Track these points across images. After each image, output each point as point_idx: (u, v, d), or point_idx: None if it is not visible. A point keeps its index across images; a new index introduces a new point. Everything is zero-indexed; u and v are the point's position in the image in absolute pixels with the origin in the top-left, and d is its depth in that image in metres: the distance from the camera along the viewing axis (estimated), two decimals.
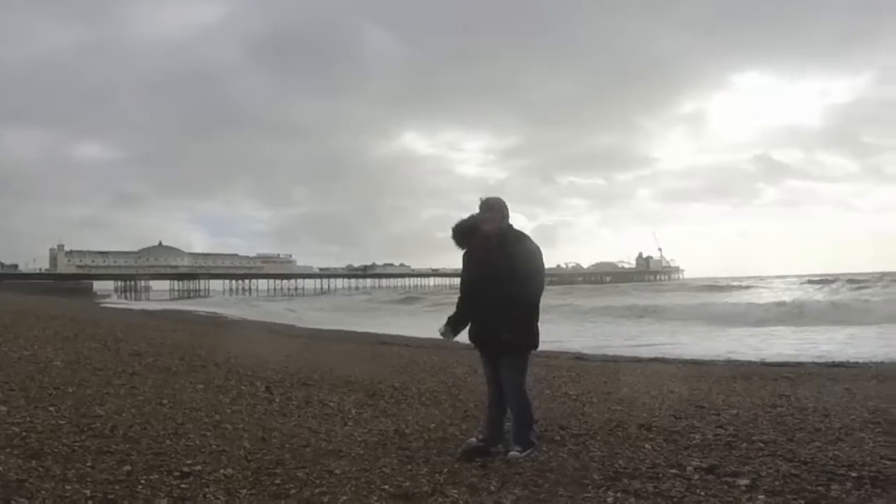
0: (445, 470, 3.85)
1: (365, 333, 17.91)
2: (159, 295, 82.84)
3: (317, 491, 3.40)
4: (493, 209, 4.28)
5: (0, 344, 7.31)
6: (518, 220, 4.54)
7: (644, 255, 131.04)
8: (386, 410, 5.63)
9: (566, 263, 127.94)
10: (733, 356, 11.86)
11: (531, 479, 3.68)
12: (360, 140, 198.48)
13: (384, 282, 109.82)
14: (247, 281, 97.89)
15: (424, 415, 5.47)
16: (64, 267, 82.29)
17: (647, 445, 4.41)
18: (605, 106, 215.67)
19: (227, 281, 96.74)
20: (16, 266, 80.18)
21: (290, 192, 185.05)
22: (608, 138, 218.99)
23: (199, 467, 3.55)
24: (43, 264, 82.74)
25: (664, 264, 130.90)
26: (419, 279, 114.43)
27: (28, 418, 4.05)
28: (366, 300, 57.06)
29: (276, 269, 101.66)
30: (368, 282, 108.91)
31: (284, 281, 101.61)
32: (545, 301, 4.44)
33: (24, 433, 3.72)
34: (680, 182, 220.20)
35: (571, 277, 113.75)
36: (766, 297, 37.79)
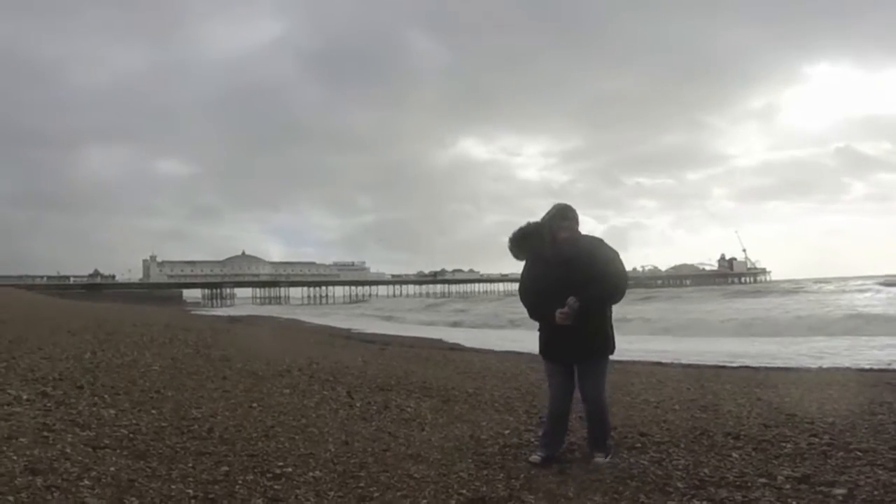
0: (522, 476, 3.88)
1: (435, 340, 18.11)
2: (243, 301, 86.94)
3: (398, 494, 3.51)
4: (569, 217, 4.21)
5: (105, 350, 7.90)
6: (587, 224, 4.46)
7: (727, 257, 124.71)
8: (461, 416, 5.70)
9: (642, 267, 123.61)
10: (825, 363, 11.15)
11: (611, 486, 3.65)
12: (417, 148, 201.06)
13: (453, 287, 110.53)
14: (323, 288, 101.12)
15: (499, 421, 5.50)
16: (156, 276, 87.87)
17: (734, 454, 4.26)
18: (668, 104, 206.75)
19: (304, 288, 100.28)
20: (113, 276, 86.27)
21: (356, 200, 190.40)
22: (674, 137, 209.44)
23: (289, 469, 3.74)
24: (137, 274, 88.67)
25: (749, 266, 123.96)
26: (488, 284, 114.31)
27: (134, 421, 4.38)
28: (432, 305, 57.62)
29: (351, 277, 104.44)
30: (438, 287, 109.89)
31: (358, 287, 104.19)
32: (630, 309, 4.37)
33: (131, 435, 4.03)
34: (757, 179, 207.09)
35: (649, 281, 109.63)
36: (860, 299, 35.03)
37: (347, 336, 19.76)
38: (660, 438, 4.76)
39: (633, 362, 10.68)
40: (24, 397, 4.52)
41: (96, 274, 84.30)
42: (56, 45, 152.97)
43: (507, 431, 5.07)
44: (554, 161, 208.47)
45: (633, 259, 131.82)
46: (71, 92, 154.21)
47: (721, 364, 10.89)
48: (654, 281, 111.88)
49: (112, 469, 3.31)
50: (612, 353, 4.27)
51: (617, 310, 4.39)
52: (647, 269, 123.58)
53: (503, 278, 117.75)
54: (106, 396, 4.98)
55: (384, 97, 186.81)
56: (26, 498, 2.73)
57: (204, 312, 45.36)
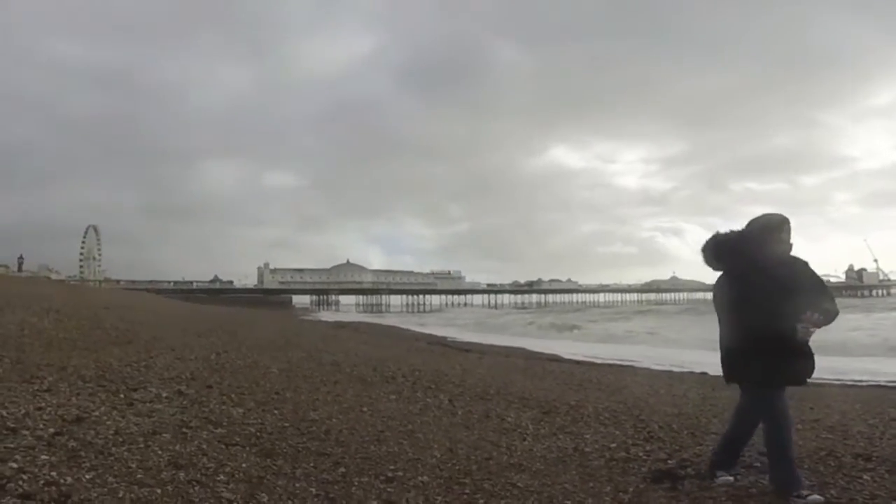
0: (630, 489, 3.82)
1: (532, 351, 17.97)
2: (346, 308, 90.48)
3: (502, 502, 3.58)
4: (786, 230, 3.85)
5: (228, 352, 8.57)
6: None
7: (856, 268, 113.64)
8: (563, 428, 5.67)
9: None
10: None
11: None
12: (507, 156, 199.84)
13: (550, 297, 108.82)
14: (421, 296, 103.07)
15: (604, 434, 5.42)
16: (269, 283, 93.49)
17: (865, 476, 3.98)
18: (775, 103, 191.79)
19: (404, 296, 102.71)
20: (231, 282, 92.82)
21: (448, 209, 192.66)
22: (785, 138, 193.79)
23: (400, 473, 3.92)
24: (252, 280, 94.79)
25: (881, 278, 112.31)
26: (588, 295, 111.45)
27: (259, 420, 4.75)
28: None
29: (448, 286, 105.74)
30: (534, 297, 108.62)
31: (455, 296, 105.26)
32: None
33: (258, 433, 4.37)
34: (885, 182, 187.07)
35: None
36: None
37: (445, 344, 20.06)
38: None
39: None
40: (164, 395, 5.03)
41: (216, 279, 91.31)
42: (174, 69, 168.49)
43: (613, 445, 4.99)
44: (655, 168, 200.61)
45: None
46: (189, 112, 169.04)
47: (850, 383, 10.03)
48: None
49: (244, 465, 3.62)
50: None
51: None
52: None
53: (602, 288, 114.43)
54: (233, 396, 5.43)
55: (472, 106, 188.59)
56: (171, 491, 3.05)
57: (312, 318, 47.72)
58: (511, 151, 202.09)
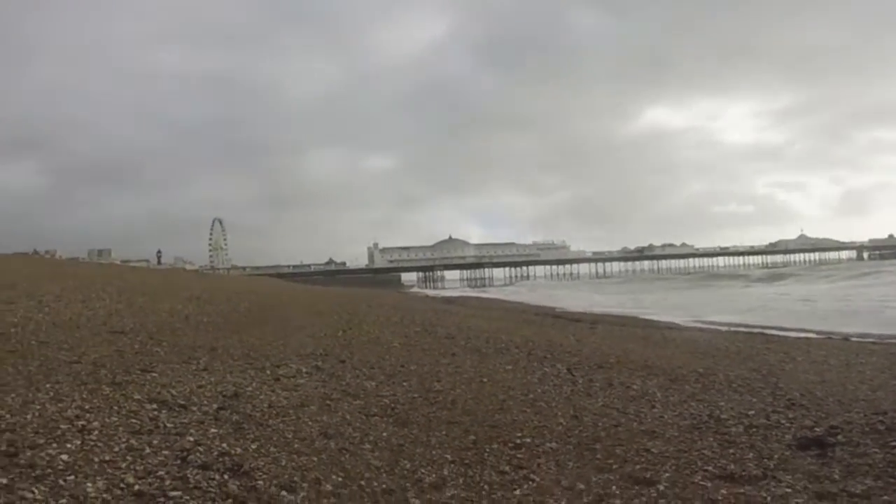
0: (775, 456, 3.68)
1: (645, 319, 17.43)
2: (451, 283, 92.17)
3: (637, 467, 3.57)
4: None
5: (352, 329, 9.05)
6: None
7: None
8: (694, 395, 5.50)
9: None
10: None
11: (884, 471, 3.30)
12: (599, 122, 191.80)
13: (663, 264, 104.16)
14: (525, 268, 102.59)
15: (739, 401, 5.21)
16: (379, 262, 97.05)
17: None
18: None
19: (507, 269, 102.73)
20: (344, 263, 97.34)
21: (544, 180, 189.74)
22: None
23: (528, 440, 4.00)
24: (363, 261, 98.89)
25: None
26: (706, 259, 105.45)
27: (391, 392, 5.02)
28: None
29: (552, 256, 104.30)
30: (646, 264, 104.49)
31: (560, 266, 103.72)
32: None
33: (392, 405, 4.63)
34: None
35: None
36: None
37: (554, 315, 19.92)
38: None
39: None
40: (304, 370, 5.44)
41: (330, 262, 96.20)
42: (270, 68, 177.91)
43: (751, 412, 4.80)
44: (766, 121, 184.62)
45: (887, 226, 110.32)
46: (289, 107, 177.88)
47: None
48: None
49: (384, 434, 3.86)
50: None
51: None
52: None
53: (723, 252, 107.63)
54: (364, 370, 5.76)
55: (557, 75, 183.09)
56: (326, 459, 3.32)
57: (420, 294, 49.04)
58: (603, 117, 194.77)
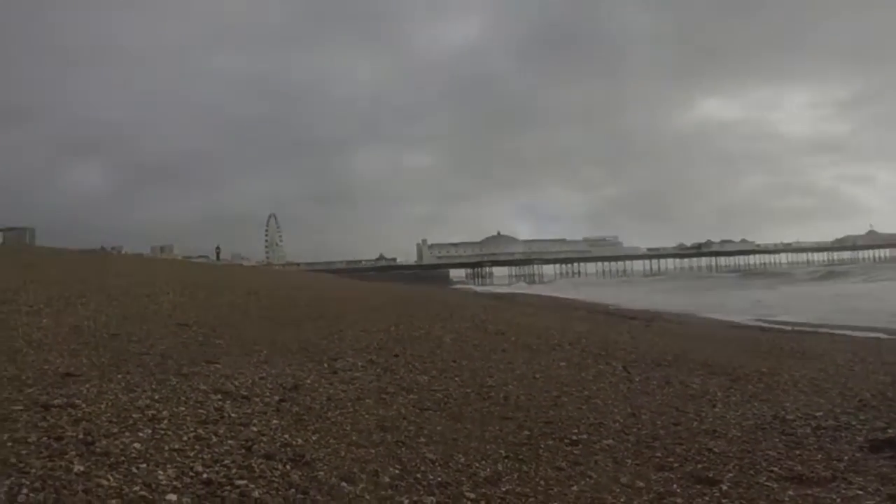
0: (845, 458, 3.55)
1: (707, 317, 16.92)
2: (499, 280, 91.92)
3: (699, 466, 3.48)
4: None
5: (403, 324, 9.13)
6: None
7: None
8: (756, 395, 5.31)
9: None
10: None
11: None
12: (649, 115, 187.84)
13: (722, 260, 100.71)
14: (575, 264, 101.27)
15: (805, 402, 5.00)
16: (427, 258, 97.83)
17: None
18: None
19: (557, 265, 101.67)
20: (394, 259, 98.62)
21: (593, 175, 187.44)
22: None
23: (584, 436, 3.96)
24: (412, 257, 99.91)
25: None
26: (768, 256, 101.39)
27: (444, 386, 5.04)
28: None
29: (604, 252, 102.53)
30: (704, 261, 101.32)
31: (612, 263, 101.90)
32: None
33: (444, 399, 4.66)
34: None
35: None
36: None
37: (608, 311, 19.59)
38: None
39: None
40: (359, 364, 5.53)
41: (381, 258, 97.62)
42: (317, 68, 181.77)
43: (819, 413, 4.61)
44: (827, 111, 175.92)
45: None
46: (335, 105, 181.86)
47: None
48: None
49: (438, 428, 3.89)
50: None
51: None
52: None
53: (786, 248, 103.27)
54: (417, 364, 5.81)
55: (602, 69, 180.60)
56: (383, 451, 3.37)
57: (468, 289, 49.11)
58: (652, 109, 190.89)
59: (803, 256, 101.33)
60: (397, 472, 3.09)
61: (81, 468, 2.51)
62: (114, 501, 2.30)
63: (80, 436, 2.86)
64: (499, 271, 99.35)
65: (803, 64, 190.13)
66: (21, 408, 3.17)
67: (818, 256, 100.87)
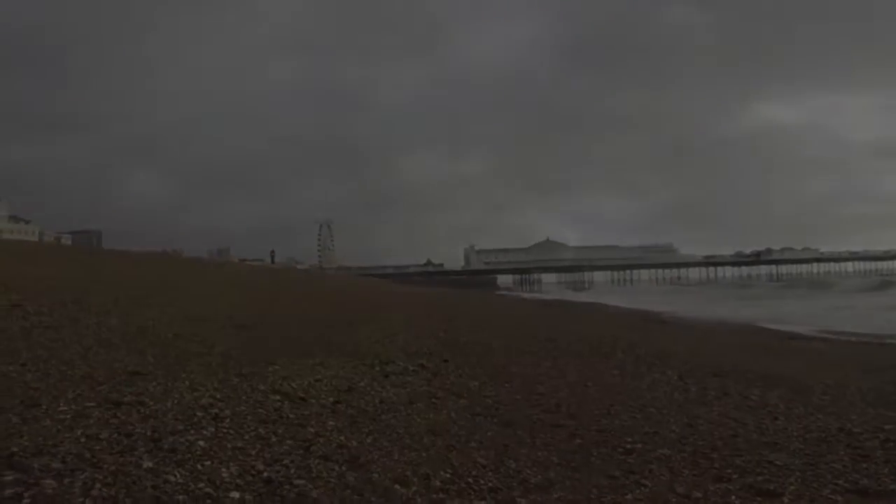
0: None
1: (761, 328, 16.28)
2: (548, 286, 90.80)
3: (759, 479, 3.37)
4: None
5: (451, 330, 9.19)
6: None
7: None
8: (821, 407, 5.10)
9: None
10: None
11: None
12: (700, 120, 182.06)
13: (783, 269, 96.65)
14: (627, 271, 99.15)
15: (874, 415, 4.77)
16: (475, 264, 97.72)
17: None
18: None
19: (608, 272, 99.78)
20: (441, 265, 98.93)
21: (646, 181, 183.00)
22: None
23: (639, 445, 3.88)
24: (459, 262, 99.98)
25: None
26: (832, 264, 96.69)
27: (494, 392, 5.05)
28: None
29: (658, 259, 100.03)
30: (763, 269, 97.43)
31: (666, 270, 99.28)
32: None
33: (495, 405, 4.66)
34: None
35: None
36: None
37: (661, 320, 19.12)
38: None
39: None
40: (410, 368, 5.60)
41: (428, 263, 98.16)
42: (364, 75, 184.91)
43: (887, 426, 4.39)
44: (894, 117, 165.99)
45: None
46: (382, 113, 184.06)
47: None
48: None
49: (489, 434, 3.90)
50: None
51: None
52: None
53: (853, 256, 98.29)
54: (466, 369, 5.84)
55: (652, 74, 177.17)
56: (434, 454, 3.40)
57: (516, 296, 48.80)
58: (704, 114, 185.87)
59: (871, 265, 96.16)
60: (448, 475, 3.12)
61: (150, 464, 2.62)
62: (180, 497, 2.40)
63: (149, 433, 2.99)
64: (547, 278, 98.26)
65: (868, 68, 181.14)
66: (94, 404, 3.35)
67: (887, 265, 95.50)
